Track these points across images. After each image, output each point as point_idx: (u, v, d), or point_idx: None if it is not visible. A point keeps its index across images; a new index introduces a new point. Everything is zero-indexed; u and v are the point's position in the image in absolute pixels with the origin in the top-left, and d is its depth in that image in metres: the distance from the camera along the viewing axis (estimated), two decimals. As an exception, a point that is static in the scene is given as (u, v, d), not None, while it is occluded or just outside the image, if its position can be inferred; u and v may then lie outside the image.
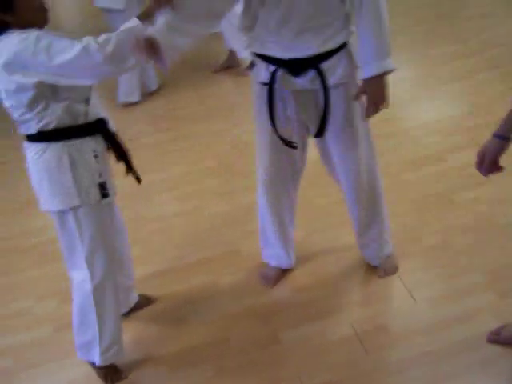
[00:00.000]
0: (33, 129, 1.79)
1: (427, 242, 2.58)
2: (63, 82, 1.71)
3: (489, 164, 1.62)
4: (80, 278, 1.99)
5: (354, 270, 2.50)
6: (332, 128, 2.08)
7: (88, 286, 1.98)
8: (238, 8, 1.97)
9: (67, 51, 1.63)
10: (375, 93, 1.99)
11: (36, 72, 1.66)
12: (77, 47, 1.63)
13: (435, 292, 2.32)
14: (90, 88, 1.87)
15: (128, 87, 4.53)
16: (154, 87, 4.73)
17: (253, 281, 2.54)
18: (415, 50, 4.71)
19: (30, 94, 1.71)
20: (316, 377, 2.05)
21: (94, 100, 1.90)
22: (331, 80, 1.99)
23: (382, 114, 2.04)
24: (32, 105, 1.73)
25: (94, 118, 1.89)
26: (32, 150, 1.84)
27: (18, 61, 1.64)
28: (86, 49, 1.63)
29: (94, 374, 2.15)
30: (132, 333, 2.35)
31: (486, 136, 1.64)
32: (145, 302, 2.48)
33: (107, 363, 2.10)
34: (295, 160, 2.25)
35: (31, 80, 1.67)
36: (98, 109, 1.92)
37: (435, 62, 4.45)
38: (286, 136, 2.12)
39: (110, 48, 1.65)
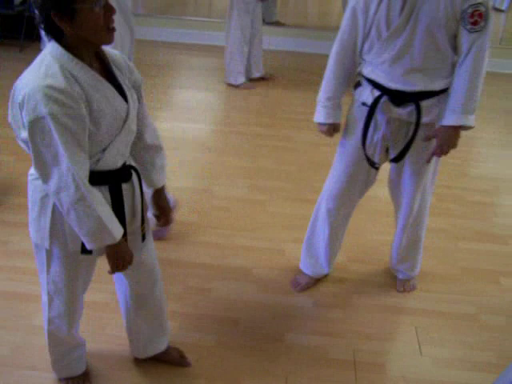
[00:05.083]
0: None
1: (458, 310, 2.60)
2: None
3: None
4: (43, 301, 1.90)
5: (378, 308, 2.58)
6: (409, 155, 2.25)
7: (45, 317, 1.92)
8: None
9: (44, 170, 1.44)
10: (446, 141, 2.13)
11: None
12: (53, 181, 1.44)
13: (444, 355, 2.35)
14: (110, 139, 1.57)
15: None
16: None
17: (284, 281, 2.71)
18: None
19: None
20: (301, 382, 2.18)
21: (115, 151, 1.59)
22: (426, 118, 2.15)
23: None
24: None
25: (103, 168, 1.58)
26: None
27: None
28: (57, 190, 1.44)
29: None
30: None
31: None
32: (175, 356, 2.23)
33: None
34: (368, 179, 2.42)
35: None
36: (117, 160, 1.62)
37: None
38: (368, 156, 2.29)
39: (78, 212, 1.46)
